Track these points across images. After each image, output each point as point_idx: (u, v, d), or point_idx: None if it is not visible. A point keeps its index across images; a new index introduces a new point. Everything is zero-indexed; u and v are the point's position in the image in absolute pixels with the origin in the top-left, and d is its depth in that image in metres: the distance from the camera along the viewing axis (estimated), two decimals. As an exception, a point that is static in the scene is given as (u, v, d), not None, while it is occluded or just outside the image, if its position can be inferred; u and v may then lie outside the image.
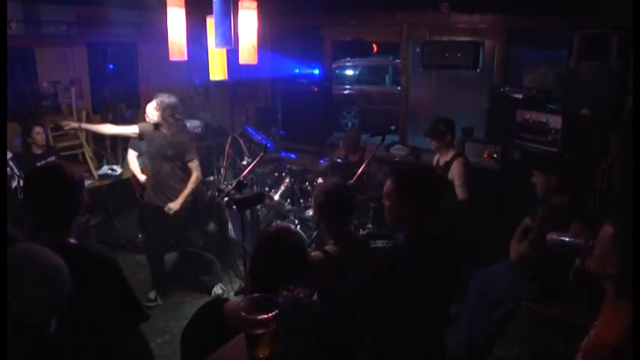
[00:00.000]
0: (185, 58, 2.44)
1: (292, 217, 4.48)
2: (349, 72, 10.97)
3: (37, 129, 4.28)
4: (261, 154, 4.07)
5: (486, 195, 4.14)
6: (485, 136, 4.73)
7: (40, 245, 1.38)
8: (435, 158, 4.19)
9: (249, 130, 5.38)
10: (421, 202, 1.89)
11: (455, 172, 3.90)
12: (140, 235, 5.01)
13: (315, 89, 5.92)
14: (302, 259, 1.76)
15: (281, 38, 6.34)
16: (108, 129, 4.33)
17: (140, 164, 4.58)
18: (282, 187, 4.83)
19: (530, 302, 3.09)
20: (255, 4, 2.37)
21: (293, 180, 4.86)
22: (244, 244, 3.70)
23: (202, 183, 5.55)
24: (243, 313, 1.29)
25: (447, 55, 4.82)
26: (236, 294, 4.27)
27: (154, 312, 3.90)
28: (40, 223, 1.73)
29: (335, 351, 1.70)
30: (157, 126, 3.90)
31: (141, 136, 4.08)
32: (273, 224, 4.44)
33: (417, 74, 5.53)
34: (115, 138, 5.27)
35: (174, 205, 3.95)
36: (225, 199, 3.86)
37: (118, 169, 5.25)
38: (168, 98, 3.86)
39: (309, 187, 4.90)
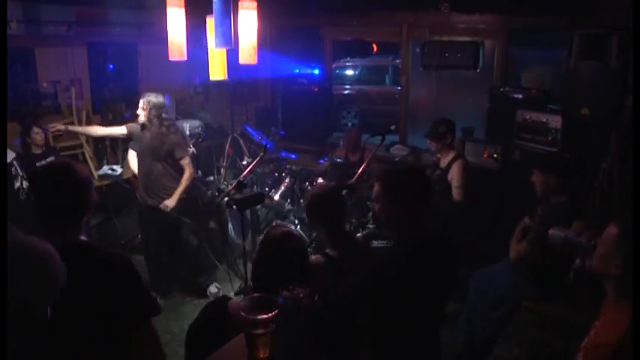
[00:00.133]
0: (185, 58, 2.44)
1: (292, 217, 4.48)
2: (349, 72, 10.97)
3: (36, 129, 4.28)
4: (261, 154, 4.06)
5: (486, 195, 4.15)
6: (485, 136, 4.73)
7: (29, 235, 1.38)
8: (436, 159, 4.19)
9: (249, 130, 5.38)
10: (410, 202, 1.89)
11: (454, 174, 3.91)
12: (140, 236, 5.01)
13: (315, 89, 5.92)
14: (303, 263, 1.77)
15: (281, 38, 6.34)
16: (96, 130, 4.33)
17: (140, 164, 4.58)
18: (282, 187, 4.83)
19: (530, 302, 3.09)
20: (255, 4, 2.37)
21: (293, 180, 4.86)
22: (244, 244, 3.70)
23: (202, 183, 5.55)
24: (243, 313, 1.29)
25: (447, 55, 4.83)
26: (236, 294, 4.27)
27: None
28: (51, 222, 1.74)
29: (335, 351, 1.71)
30: (144, 126, 3.90)
31: (129, 137, 4.07)
32: (274, 224, 4.45)
33: (417, 74, 5.54)
34: (115, 138, 5.27)
35: (170, 202, 3.95)
36: (225, 199, 3.85)
37: (118, 169, 5.25)
38: (155, 97, 3.85)
39: (309, 187, 4.90)
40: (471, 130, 4.88)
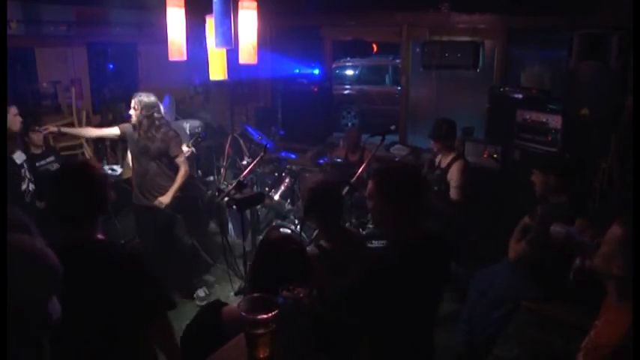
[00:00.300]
0: (185, 58, 2.44)
1: (292, 217, 4.48)
2: (349, 72, 10.96)
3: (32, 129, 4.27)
4: (261, 154, 4.06)
5: (486, 195, 4.15)
6: (485, 136, 4.74)
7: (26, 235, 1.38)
8: (437, 159, 4.19)
9: (249, 130, 5.38)
10: (402, 200, 1.89)
11: (453, 174, 3.92)
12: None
13: (315, 89, 5.92)
14: (302, 267, 1.77)
15: (281, 38, 6.34)
16: (89, 132, 4.31)
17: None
18: (282, 187, 4.83)
19: (530, 302, 3.09)
20: (255, 4, 2.37)
21: (293, 180, 4.86)
22: (244, 244, 3.70)
23: (202, 183, 5.55)
24: (243, 313, 1.29)
25: (447, 55, 4.83)
26: (236, 294, 4.26)
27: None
28: (69, 220, 1.76)
29: (334, 351, 1.71)
30: (135, 126, 3.90)
31: (123, 137, 4.05)
32: (274, 224, 4.45)
33: (417, 74, 5.54)
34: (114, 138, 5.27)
35: (164, 199, 3.93)
36: (225, 199, 3.85)
37: (118, 169, 5.24)
38: (146, 97, 3.84)
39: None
40: (471, 130, 4.88)
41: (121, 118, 5.51)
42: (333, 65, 8.81)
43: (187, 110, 6.29)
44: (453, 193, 3.89)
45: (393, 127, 4.80)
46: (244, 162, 5.09)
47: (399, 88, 6.18)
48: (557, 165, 3.15)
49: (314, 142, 5.86)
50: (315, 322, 1.44)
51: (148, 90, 4.08)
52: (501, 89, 4.61)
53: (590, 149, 3.79)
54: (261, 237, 4.02)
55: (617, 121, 3.56)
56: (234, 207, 3.59)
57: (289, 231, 4.12)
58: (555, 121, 3.99)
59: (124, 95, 5.65)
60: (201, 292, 4.30)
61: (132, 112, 3.87)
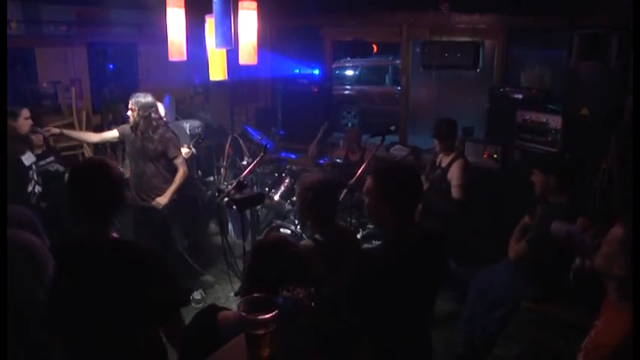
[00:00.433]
0: (185, 58, 2.43)
1: (292, 217, 4.47)
2: (349, 72, 10.97)
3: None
4: (261, 154, 4.06)
5: (486, 195, 4.15)
6: (485, 136, 4.74)
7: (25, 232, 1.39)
8: (438, 159, 4.19)
9: (249, 130, 5.38)
10: (400, 199, 1.89)
11: (454, 173, 3.93)
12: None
13: (315, 89, 5.93)
14: (299, 268, 1.77)
15: (281, 38, 6.34)
16: (90, 137, 4.31)
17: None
18: (282, 187, 4.82)
19: (530, 302, 3.09)
20: (255, 5, 2.37)
21: (293, 180, 4.86)
22: (244, 244, 3.69)
23: (202, 183, 5.55)
24: (243, 314, 1.29)
25: (447, 55, 4.83)
26: (236, 294, 4.26)
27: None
28: (86, 219, 1.78)
29: (334, 351, 1.71)
30: (133, 127, 3.89)
31: (122, 139, 4.04)
32: (274, 224, 4.44)
33: (417, 74, 5.54)
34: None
35: (162, 199, 3.93)
36: (225, 199, 3.85)
37: (118, 169, 5.24)
38: (143, 98, 3.82)
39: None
40: (471, 130, 4.88)
41: (121, 118, 5.51)
42: (333, 65, 8.81)
43: (187, 110, 6.30)
44: (455, 192, 3.89)
45: (393, 128, 4.80)
46: (244, 162, 5.09)
47: (399, 88, 6.19)
48: (557, 165, 3.15)
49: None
50: (315, 322, 1.43)
51: (148, 90, 4.08)
52: (501, 89, 4.61)
53: (590, 149, 3.79)
54: (261, 238, 4.02)
55: (617, 121, 3.56)
56: (234, 207, 3.58)
57: (289, 231, 4.12)
58: (555, 121, 3.99)
59: (124, 95, 5.63)
60: (197, 295, 4.29)
61: (129, 113, 3.87)
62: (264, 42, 5.88)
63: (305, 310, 1.39)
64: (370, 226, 4.26)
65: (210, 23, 2.42)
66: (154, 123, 3.87)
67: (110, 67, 5.72)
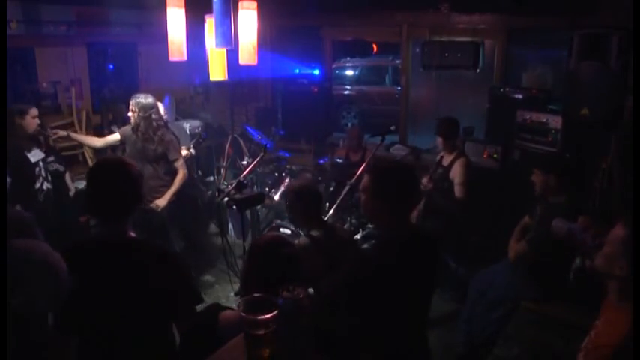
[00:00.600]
0: (185, 58, 2.43)
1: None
2: (349, 72, 10.96)
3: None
4: (261, 154, 4.06)
5: (486, 195, 4.15)
6: (485, 136, 4.74)
7: (45, 242, 1.40)
8: (440, 157, 4.19)
9: (249, 130, 5.38)
10: (395, 198, 1.89)
11: (456, 172, 3.93)
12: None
13: (315, 89, 5.92)
14: (296, 267, 1.77)
15: (281, 38, 6.34)
16: (94, 142, 4.31)
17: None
18: (282, 187, 4.83)
19: (530, 302, 3.09)
20: (255, 4, 2.37)
21: (293, 180, 4.86)
22: (244, 244, 3.70)
23: (202, 183, 5.55)
24: (242, 314, 1.29)
25: (447, 55, 4.83)
26: (236, 294, 4.27)
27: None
28: (105, 217, 1.80)
29: (334, 351, 1.71)
30: (134, 128, 3.89)
31: (123, 141, 4.04)
32: (273, 224, 4.44)
33: (417, 74, 5.54)
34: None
35: (161, 202, 3.92)
36: (225, 199, 3.85)
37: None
38: (144, 99, 3.82)
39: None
40: (471, 130, 4.88)
41: (121, 118, 5.52)
42: (333, 65, 8.80)
43: (187, 110, 6.29)
44: (457, 191, 3.89)
45: (393, 128, 4.81)
46: (244, 162, 5.09)
47: (399, 88, 6.18)
48: (557, 165, 3.15)
49: (314, 143, 5.86)
50: (315, 322, 1.44)
51: (148, 90, 4.08)
52: (501, 89, 4.61)
53: (590, 149, 3.79)
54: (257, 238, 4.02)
55: (617, 121, 3.56)
56: (234, 207, 3.59)
57: (289, 231, 4.12)
58: (555, 121, 3.99)
59: (124, 95, 5.64)
60: None
61: (130, 114, 3.87)
62: (264, 42, 5.88)
63: (305, 310, 1.39)
64: (370, 226, 4.26)
65: (210, 23, 2.42)
66: (155, 124, 3.87)
67: (110, 67, 5.71)
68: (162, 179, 3.97)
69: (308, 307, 1.39)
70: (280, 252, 1.78)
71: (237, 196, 3.49)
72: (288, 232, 4.12)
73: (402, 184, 1.92)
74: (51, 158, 4.11)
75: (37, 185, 3.75)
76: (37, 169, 3.78)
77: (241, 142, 5.83)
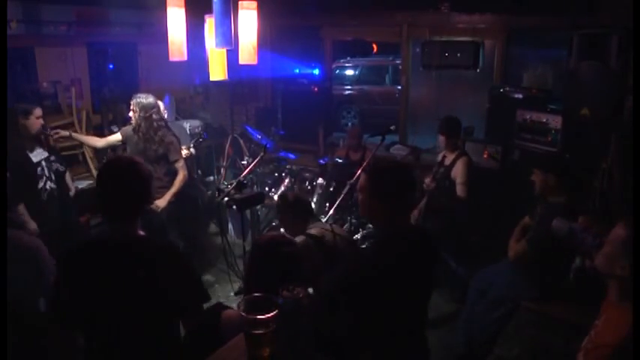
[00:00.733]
0: (185, 58, 2.43)
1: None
2: (349, 72, 10.96)
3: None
4: (261, 154, 4.06)
5: (486, 195, 4.15)
6: (485, 136, 4.74)
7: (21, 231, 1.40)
8: (441, 156, 4.19)
9: (249, 130, 5.38)
10: (391, 198, 1.89)
11: (457, 171, 3.93)
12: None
13: (315, 89, 5.92)
14: (298, 265, 1.77)
15: (281, 38, 6.34)
16: (96, 142, 4.31)
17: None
18: (282, 187, 4.83)
19: (530, 302, 3.09)
20: (255, 4, 2.37)
21: (293, 180, 4.86)
22: (244, 244, 3.69)
23: (202, 183, 5.55)
24: (243, 314, 1.29)
25: (447, 55, 4.83)
26: (236, 294, 4.27)
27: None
28: (115, 216, 1.80)
29: (334, 351, 1.71)
30: (135, 128, 3.88)
31: (124, 141, 4.03)
32: (273, 224, 4.44)
33: (417, 74, 5.54)
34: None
35: (160, 202, 3.92)
36: (225, 199, 3.85)
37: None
38: (145, 99, 3.82)
39: (309, 187, 4.89)
40: (471, 130, 4.88)
41: (122, 118, 5.52)
42: (333, 65, 8.81)
43: (187, 110, 6.30)
44: (459, 190, 3.90)
45: (393, 127, 4.80)
46: (244, 162, 5.09)
47: (399, 88, 6.18)
48: (556, 164, 3.15)
49: (314, 142, 5.86)
50: (315, 322, 1.44)
51: (148, 90, 4.08)
52: (501, 89, 4.61)
53: (590, 149, 3.78)
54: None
55: (617, 121, 3.56)
56: (234, 207, 3.59)
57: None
58: (555, 121, 3.99)
59: (124, 95, 5.65)
60: None
61: (131, 114, 3.87)
62: (264, 42, 5.88)
63: (305, 310, 1.39)
64: (370, 225, 4.26)
65: (210, 23, 2.42)
66: (155, 124, 3.87)
67: (110, 66, 5.71)
68: (161, 180, 3.96)
69: (308, 307, 1.39)
70: (281, 251, 1.78)
71: (237, 195, 3.49)
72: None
73: (399, 183, 1.92)
74: (51, 158, 4.11)
75: (41, 185, 3.74)
76: (40, 168, 3.77)
77: (241, 141, 5.83)
